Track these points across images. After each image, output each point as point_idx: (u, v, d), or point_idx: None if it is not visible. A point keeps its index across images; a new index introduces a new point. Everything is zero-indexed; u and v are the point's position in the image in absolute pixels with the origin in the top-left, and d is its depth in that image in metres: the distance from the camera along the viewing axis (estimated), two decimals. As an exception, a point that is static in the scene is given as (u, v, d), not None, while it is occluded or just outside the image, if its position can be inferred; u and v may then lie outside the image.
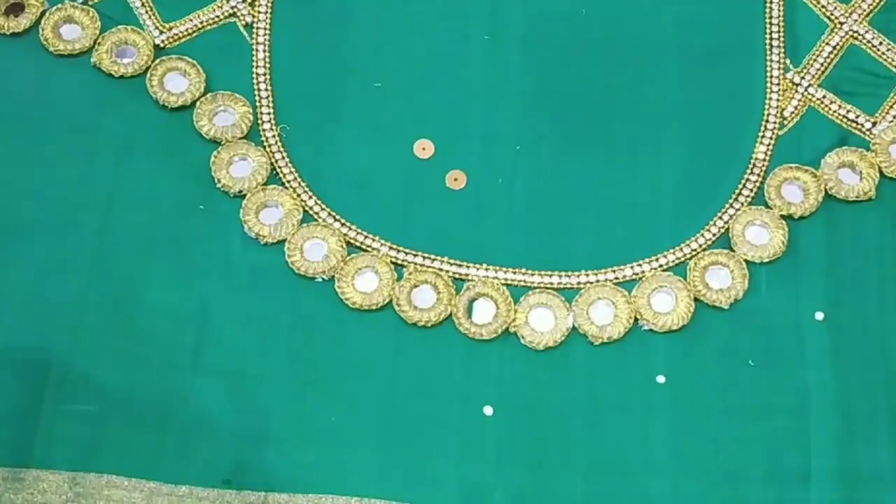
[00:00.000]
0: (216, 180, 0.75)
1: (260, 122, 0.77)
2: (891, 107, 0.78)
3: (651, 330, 0.72)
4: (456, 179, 0.76)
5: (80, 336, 0.71)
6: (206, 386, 0.70)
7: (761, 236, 0.74)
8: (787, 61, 0.79)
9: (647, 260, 0.74)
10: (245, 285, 0.73)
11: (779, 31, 0.80)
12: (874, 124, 0.77)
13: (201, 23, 0.79)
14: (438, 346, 0.71)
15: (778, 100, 0.78)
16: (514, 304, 0.72)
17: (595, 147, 0.77)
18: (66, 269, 0.72)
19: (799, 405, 0.70)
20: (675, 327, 0.72)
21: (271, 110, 0.77)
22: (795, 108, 0.78)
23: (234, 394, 0.70)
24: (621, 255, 0.74)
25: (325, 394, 0.70)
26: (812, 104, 0.78)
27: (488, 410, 0.70)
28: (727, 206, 0.75)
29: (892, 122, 0.77)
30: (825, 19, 0.80)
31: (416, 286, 0.73)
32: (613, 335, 0.72)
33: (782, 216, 0.75)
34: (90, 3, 0.80)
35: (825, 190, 0.75)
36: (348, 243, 0.74)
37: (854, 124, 0.77)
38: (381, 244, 0.74)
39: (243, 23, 0.80)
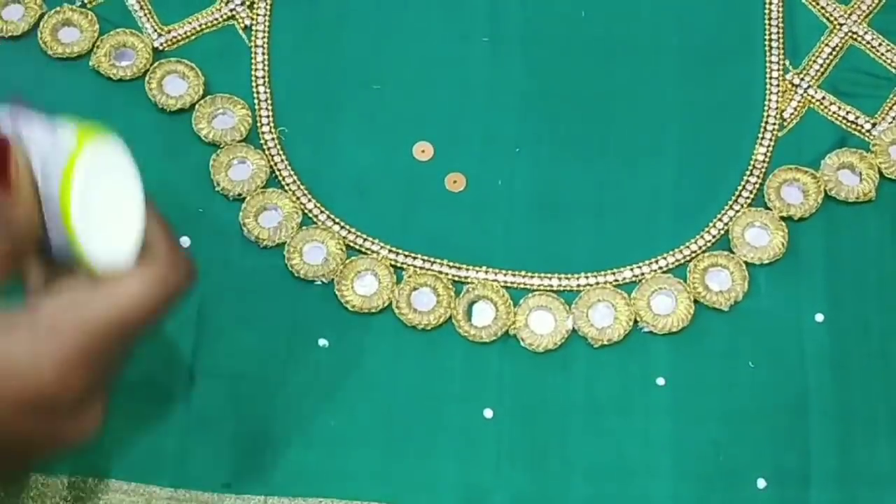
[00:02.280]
0: (215, 183, 0.75)
1: (259, 124, 0.77)
2: (890, 108, 0.78)
3: (651, 332, 0.72)
4: (455, 182, 0.76)
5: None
6: (206, 389, 0.70)
7: (761, 238, 0.74)
8: (787, 62, 0.79)
9: (646, 262, 0.74)
10: (244, 288, 0.73)
11: (778, 33, 0.79)
12: (874, 125, 0.77)
13: (200, 25, 0.79)
14: (438, 348, 0.71)
15: (777, 101, 0.78)
16: (513, 306, 0.72)
17: (594, 149, 0.77)
18: (65, 272, 0.72)
19: (799, 407, 0.70)
20: (674, 329, 0.72)
21: (270, 113, 0.77)
22: (795, 109, 0.78)
23: (234, 397, 0.70)
24: (621, 258, 0.74)
25: (324, 397, 0.70)
26: (811, 105, 0.78)
27: (488, 413, 0.70)
28: (727, 207, 0.75)
29: (891, 123, 0.77)
30: (824, 20, 0.80)
31: (415, 289, 0.73)
32: (613, 337, 0.72)
33: (782, 218, 0.75)
34: (88, 6, 0.80)
35: (825, 191, 0.75)
36: (348, 246, 0.74)
37: (854, 125, 0.77)
38: (381, 247, 0.74)
39: (242, 25, 0.80)
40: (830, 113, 0.77)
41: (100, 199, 0.55)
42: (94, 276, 0.55)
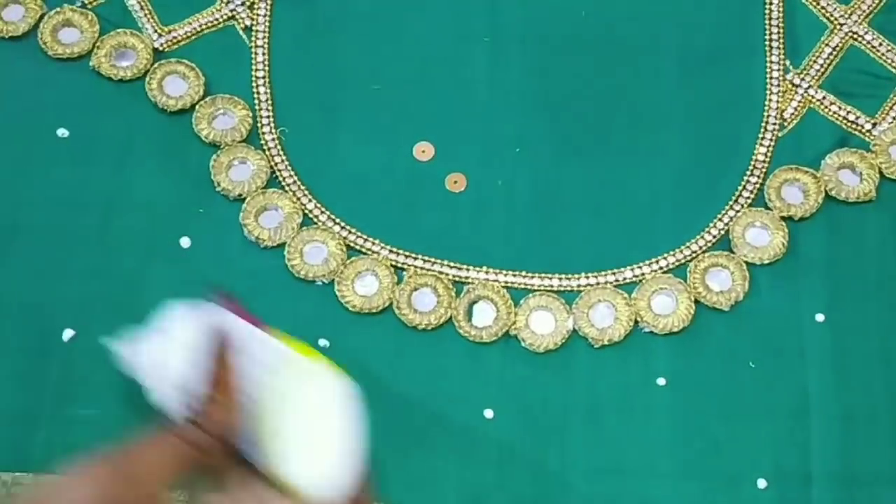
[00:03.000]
0: (216, 184, 0.75)
1: (259, 125, 0.77)
2: (891, 108, 0.78)
3: (651, 332, 0.72)
4: (456, 182, 0.76)
5: (81, 341, 0.71)
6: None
7: (761, 238, 0.74)
8: (787, 62, 0.79)
9: (647, 262, 0.74)
10: (245, 289, 0.72)
11: (778, 33, 0.79)
12: (874, 125, 0.77)
13: (200, 26, 0.79)
14: (439, 349, 0.71)
15: (778, 101, 0.78)
16: (514, 306, 0.72)
17: (595, 149, 0.77)
18: (66, 273, 0.72)
19: (799, 407, 0.70)
20: (675, 329, 0.72)
21: (270, 113, 0.77)
22: (795, 109, 0.78)
23: (235, 398, 0.70)
24: (621, 258, 0.74)
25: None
26: (812, 105, 0.78)
27: (489, 413, 0.70)
28: (727, 207, 0.75)
29: (892, 123, 0.77)
30: (825, 20, 0.80)
31: (416, 289, 0.73)
32: (614, 337, 0.72)
33: (782, 218, 0.75)
34: (89, 6, 0.80)
35: (825, 191, 0.75)
36: (348, 246, 0.74)
37: (854, 125, 0.77)
38: (381, 247, 0.74)
39: (242, 26, 0.80)
40: (831, 113, 0.77)
41: (304, 424, 0.54)
42: (282, 492, 0.55)
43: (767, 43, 0.79)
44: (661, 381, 0.71)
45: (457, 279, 0.73)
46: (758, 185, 0.76)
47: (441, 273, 0.73)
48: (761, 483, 0.68)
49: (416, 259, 0.73)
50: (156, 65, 0.78)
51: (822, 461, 0.69)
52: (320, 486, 0.54)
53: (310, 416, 0.54)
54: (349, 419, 0.55)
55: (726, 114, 0.78)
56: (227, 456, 0.56)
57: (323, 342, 0.71)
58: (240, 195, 0.75)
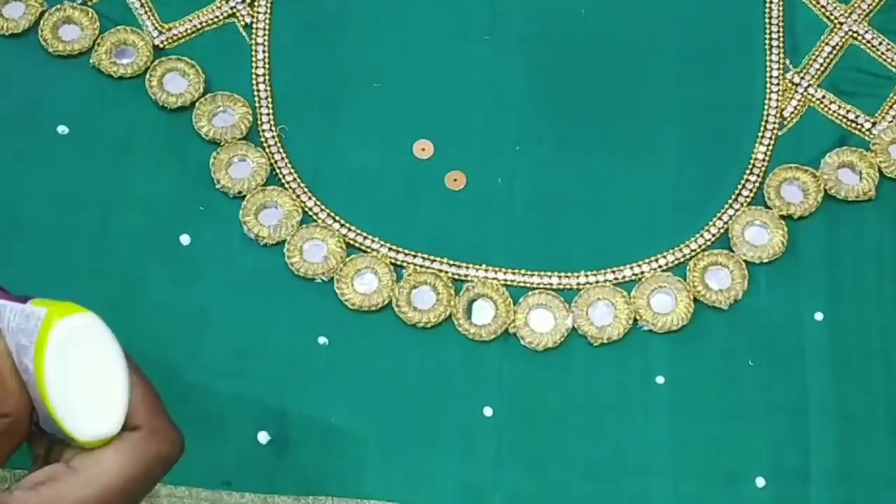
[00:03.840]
0: (215, 181, 0.75)
1: (259, 122, 0.77)
2: (890, 107, 0.78)
3: (650, 330, 0.72)
4: (455, 180, 0.76)
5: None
6: (206, 387, 0.70)
7: (761, 237, 0.74)
8: (787, 61, 0.79)
9: (646, 260, 0.74)
10: (244, 286, 0.73)
11: (778, 31, 0.80)
12: (874, 124, 0.77)
13: (200, 23, 0.79)
14: (438, 347, 0.72)
15: (777, 100, 0.78)
16: (513, 304, 0.72)
17: (595, 147, 0.77)
18: (66, 270, 0.73)
19: (798, 405, 0.70)
20: (674, 328, 0.72)
21: (271, 111, 0.77)
22: (795, 108, 0.78)
23: (234, 395, 0.70)
24: (621, 256, 0.74)
25: (324, 395, 0.70)
26: (812, 104, 0.78)
27: (488, 411, 0.70)
28: (726, 206, 0.75)
29: (891, 122, 0.77)
30: (825, 19, 0.80)
31: (415, 287, 0.73)
32: (613, 336, 0.72)
33: (782, 216, 0.75)
34: (89, 3, 0.80)
35: (825, 190, 0.75)
36: (348, 244, 0.74)
37: (854, 124, 0.77)
38: (381, 245, 0.74)
39: (242, 23, 0.80)
40: (830, 112, 0.78)
41: (76, 373, 0.53)
42: (82, 446, 0.53)
43: (767, 41, 0.79)
44: (660, 380, 0.71)
45: (456, 277, 0.73)
46: (757, 184, 0.76)
47: (440, 271, 0.73)
48: (760, 482, 0.69)
49: (415, 257, 0.73)
50: (156, 62, 0.78)
51: (820, 460, 0.69)
52: (99, 429, 0.53)
53: (70, 367, 0.53)
54: (108, 356, 0.54)
55: (726, 112, 0.78)
56: (27, 428, 0.54)
57: (322, 340, 0.71)
58: (239, 192, 0.75)
